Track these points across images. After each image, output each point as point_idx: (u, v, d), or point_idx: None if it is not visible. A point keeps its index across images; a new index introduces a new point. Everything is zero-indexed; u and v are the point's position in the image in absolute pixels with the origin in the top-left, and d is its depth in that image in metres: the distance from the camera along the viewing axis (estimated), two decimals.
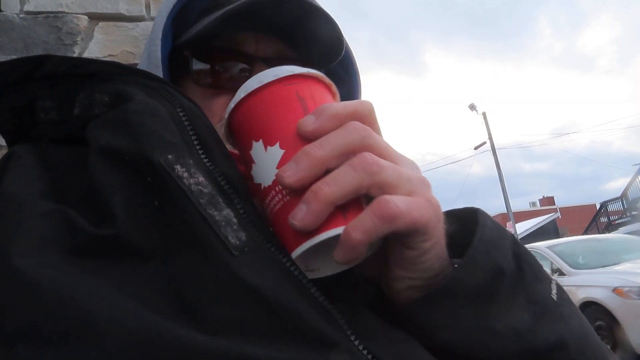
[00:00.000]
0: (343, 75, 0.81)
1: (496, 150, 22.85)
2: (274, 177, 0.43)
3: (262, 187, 0.46)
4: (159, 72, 0.68)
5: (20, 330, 0.36)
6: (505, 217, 28.59)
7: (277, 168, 0.43)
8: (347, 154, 0.42)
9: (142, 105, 0.48)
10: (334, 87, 0.51)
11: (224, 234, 0.41)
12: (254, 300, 0.39)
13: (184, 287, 0.40)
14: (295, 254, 0.42)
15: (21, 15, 1.81)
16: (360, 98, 0.82)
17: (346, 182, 0.41)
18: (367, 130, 0.44)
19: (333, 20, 0.68)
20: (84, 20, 1.86)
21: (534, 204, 44.48)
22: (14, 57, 1.75)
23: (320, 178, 0.42)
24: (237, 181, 0.47)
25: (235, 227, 0.43)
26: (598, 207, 27.43)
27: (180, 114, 0.49)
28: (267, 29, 0.70)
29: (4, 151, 0.68)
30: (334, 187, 0.41)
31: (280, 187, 0.43)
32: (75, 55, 1.82)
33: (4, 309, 0.37)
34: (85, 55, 1.84)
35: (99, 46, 1.86)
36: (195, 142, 0.48)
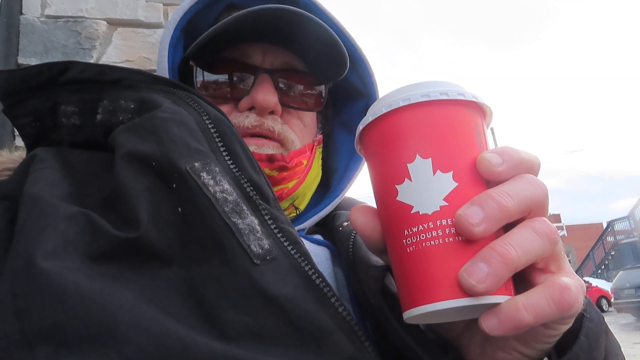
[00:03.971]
0: (360, 87, 0.80)
1: None
2: (439, 209, 0.38)
3: (413, 212, 0.40)
4: None
5: (42, 332, 0.36)
6: None
7: (445, 200, 0.39)
8: (527, 212, 0.40)
9: (170, 112, 0.49)
10: (489, 123, 0.46)
11: (247, 243, 0.42)
12: (273, 310, 0.39)
13: (204, 294, 0.40)
14: (446, 305, 0.37)
15: (42, 19, 1.84)
16: None
17: (532, 248, 0.37)
18: (545, 189, 0.40)
19: (332, 35, 0.67)
20: (102, 26, 1.89)
21: None
22: (33, 59, 1.78)
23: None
24: (263, 188, 0.47)
25: (258, 234, 0.43)
26: (605, 226, 27.20)
27: (207, 122, 0.49)
28: (274, 40, 0.70)
29: (21, 152, 0.69)
30: (520, 251, 0.37)
31: (445, 223, 0.38)
32: (93, 59, 1.85)
33: (28, 310, 0.37)
34: (103, 60, 1.87)
35: (117, 51, 1.89)
36: (222, 149, 0.48)
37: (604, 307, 20.04)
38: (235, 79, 0.70)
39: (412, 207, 0.39)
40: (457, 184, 0.39)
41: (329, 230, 0.72)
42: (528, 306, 0.36)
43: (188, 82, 0.72)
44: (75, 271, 0.39)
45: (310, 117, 0.74)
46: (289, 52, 0.71)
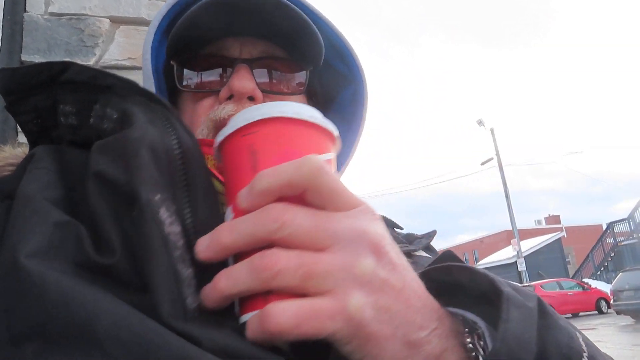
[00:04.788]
0: (347, 73, 0.81)
1: (504, 167, 22.79)
2: None
3: None
4: (150, 83, 0.71)
5: (27, 329, 0.37)
6: (510, 234, 28.39)
7: None
8: (260, 243, 0.40)
9: (142, 133, 0.47)
10: (313, 120, 0.45)
11: (185, 295, 0.41)
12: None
13: None
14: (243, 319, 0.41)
15: (45, 17, 1.84)
16: (366, 98, 0.81)
17: (240, 282, 0.39)
18: (282, 220, 0.39)
19: (305, 19, 0.69)
20: (105, 24, 1.90)
21: (539, 222, 44.23)
22: (37, 56, 1.79)
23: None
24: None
25: (193, 289, 0.42)
26: (605, 227, 27.20)
27: (176, 150, 0.48)
28: (251, 32, 0.71)
29: (24, 148, 0.70)
30: (230, 282, 0.40)
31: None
32: (95, 57, 1.86)
33: (13, 308, 0.38)
34: (105, 57, 1.87)
35: (119, 49, 1.89)
36: (184, 184, 0.46)
37: (603, 308, 20.03)
38: (214, 72, 0.72)
39: None
40: (233, 215, 0.43)
41: None
42: (256, 328, 0.38)
43: (172, 83, 0.73)
44: (57, 272, 0.39)
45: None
46: (268, 42, 0.72)
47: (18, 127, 1.74)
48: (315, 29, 0.70)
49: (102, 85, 0.54)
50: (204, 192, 0.47)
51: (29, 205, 0.45)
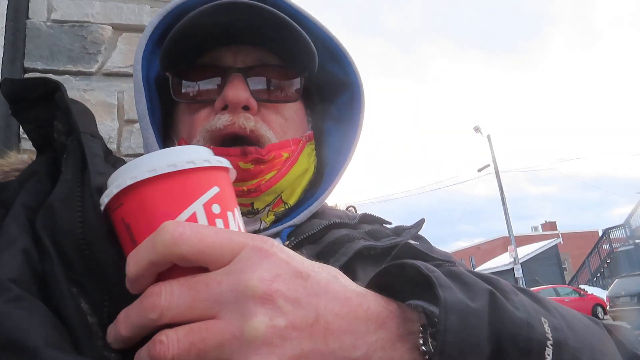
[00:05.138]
0: (343, 77, 0.81)
1: (500, 174, 22.86)
2: None
3: None
4: (141, 94, 0.72)
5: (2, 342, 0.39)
6: (506, 240, 28.44)
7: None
8: (148, 330, 0.40)
9: (52, 221, 0.48)
10: (173, 169, 0.42)
11: None
12: None
13: None
14: None
15: (48, 23, 1.86)
16: (363, 102, 0.81)
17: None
18: (159, 308, 0.38)
19: (295, 27, 0.69)
20: (108, 31, 1.91)
21: (535, 228, 44.29)
22: (39, 63, 1.80)
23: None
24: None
25: None
26: (601, 233, 27.27)
27: (80, 237, 0.46)
28: (244, 40, 0.72)
29: (30, 154, 0.71)
30: None
31: None
32: (98, 64, 1.87)
33: None
34: (108, 64, 1.88)
35: (122, 56, 1.91)
36: (97, 274, 0.46)
37: (599, 315, 20.06)
38: (209, 82, 0.72)
39: None
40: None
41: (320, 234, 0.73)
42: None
43: (166, 94, 0.74)
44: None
45: (292, 111, 0.75)
46: (262, 49, 0.72)
47: (21, 134, 1.75)
48: (305, 36, 0.70)
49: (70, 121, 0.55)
50: (117, 277, 0.44)
51: (18, 234, 0.47)
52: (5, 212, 0.50)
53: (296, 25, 0.69)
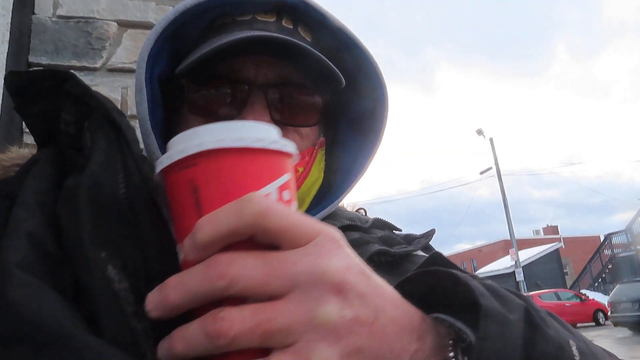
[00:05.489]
0: (363, 81, 0.78)
1: (503, 177, 22.84)
2: None
3: None
4: (142, 95, 0.68)
5: (15, 334, 0.38)
6: (508, 243, 28.38)
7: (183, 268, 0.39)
8: (212, 300, 0.37)
9: (92, 182, 0.47)
10: (260, 144, 0.41)
11: (144, 350, 0.41)
12: None
13: None
14: None
15: (53, 19, 1.86)
16: (387, 113, 0.79)
17: (197, 347, 0.36)
18: (230, 276, 0.36)
19: (323, 60, 0.66)
20: (113, 27, 1.91)
21: (537, 232, 44.23)
22: (44, 58, 1.80)
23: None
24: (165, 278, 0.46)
25: (152, 341, 0.41)
26: (602, 239, 27.20)
27: (123, 196, 0.46)
28: (268, 53, 0.67)
29: (31, 148, 0.71)
30: (185, 346, 0.37)
31: None
32: (102, 60, 1.88)
33: (4, 312, 0.39)
34: (113, 60, 1.89)
35: (126, 52, 1.91)
36: (132, 236, 0.45)
37: (600, 320, 19.98)
38: (227, 96, 0.68)
39: None
40: (183, 254, 0.39)
41: None
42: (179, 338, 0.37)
43: (173, 98, 0.71)
44: (40, 289, 0.41)
45: (309, 128, 0.73)
46: (284, 63, 0.69)
47: (24, 128, 1.75)
48: (337, 71, 0.68)
49: (89, 104, 0.54)
50: (156, 241, 0.45)
51: (26, 218, 0.46)
52: (10, 203, 0.49)
53: (326, 60, 0.67)
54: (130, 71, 1.88)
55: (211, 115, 0.68)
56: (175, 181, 0.41)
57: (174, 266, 0.44)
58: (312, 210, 0.75)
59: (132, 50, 1.91)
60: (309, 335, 0.36)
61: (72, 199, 0.47)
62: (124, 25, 1.93)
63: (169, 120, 0.74)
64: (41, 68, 0.57)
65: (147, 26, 1.96)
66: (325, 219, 0.74)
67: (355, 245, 0.65)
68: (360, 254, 0.65)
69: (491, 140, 23.68)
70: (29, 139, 1.67)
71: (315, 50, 0.66)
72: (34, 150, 0.66)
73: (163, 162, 0.41)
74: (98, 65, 1.87)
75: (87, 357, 0.37)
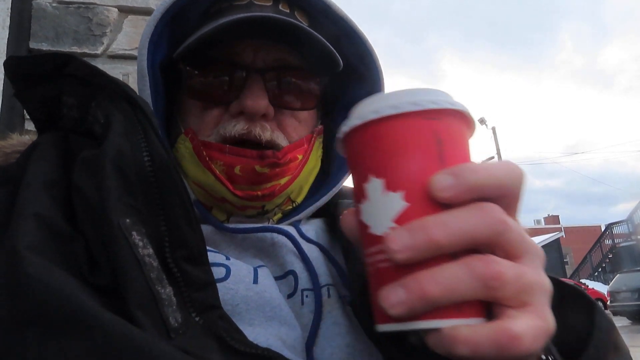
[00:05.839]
0: (364, 71, 0.78)
1: None
2: (388, 230, 0.37)
3: (369, 231, 0.39)
4: (145, 81, 0.67)
5: (28, 315, 0.38)
6: None
7: (394, 221, 0.37)
8: (471, 246, 0.36)
9: (114, 150, 0.47)
10: (473, 126, 0.42)
11: (166, 314, 0.42)
12: None
13: None
14: (381, 329, 0.38)
15: (54, 4, 1.85)
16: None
17: (457, 289, 0.35)
18: (506, 222, 0.36)
19: (324, 43, 0.66)
20: (114, 13, 1.90)
21: (538, 221, 44.28)
22: (44, 44, 1.79)
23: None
24: (193, 245, 0.47)
25: (174, 307, 0.43)
26: (603, 228, 27.24)
27: (148, 168, 0.47)
28: (266, 35, 0.68)
29: (32, 135, 0.71)
30: (442, 288, 0.34)
31: None
32: (103, 46, 1.86)
33: (15, 293, 0.39)
34: (113, 47, 1.87)
35: (127, 38, 1.90)
36: (157, 204, 0.46)
37: None
38: (225, 80, 0.68)
39: (368, 227, 0.39)
40: (407, 204, 0.37)
41: (331, 217, 0.73)
42: (467, 341, 0.34)
43: (175, 82, 0.71)
44: (52, 269, 0.41)
45: (306, 113, 0.73)
46: (282, 46, 0.69)
47: (25, 115, 1.75)
48: (337, 55, 0.68)
49: (96, 84, 0.54)
50: (180, 207, 0.46)
51: (32, 199, 0.46)
52: (14, 188, 0.49)
53: (327, 44, 0.66)
54: (131, 58, 1.87)
55: (209, 98, 0.68)
56: (414, 128, 0.39)
57: (198, 231, 0.47)
58: (309, 198, 0.76)
59: (132, 36, 1.90)
60: (542, 299, 0.37)
61: (94, 167, 0.47)
62: (125, 11, 1.92)
63: (172, 101, 0.74)
64: (41, 53, 0.56)
65: (147, 12, 1.94)
66: (336, 203, 0.74)
67: None
68: None
69: (493, 129, 23.61)
70: (30, 125, 1.67)
71: (312, 31, 0.66)
72: (35, 137, 0.66)
73: (404, 106, 0.39)
74: (99, 51, 1.85)
75: (98, 334, 0.37)
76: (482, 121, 24.14)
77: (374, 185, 0.38)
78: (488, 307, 0.36)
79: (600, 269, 25.40)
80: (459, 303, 0.35)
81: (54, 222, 0.45)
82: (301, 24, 0.65)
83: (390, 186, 0.38)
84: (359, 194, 0.40)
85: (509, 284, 0.35)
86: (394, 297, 0.35)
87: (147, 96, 0.68)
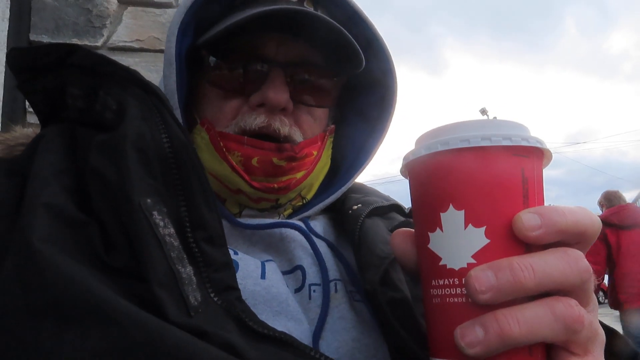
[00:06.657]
0: (380, 76, 0.78)
1: None
2: (465, 265, 0.36)
3: (442, 263, 0.38)
4: (172, 69, 0.68)
5: (43, 306, 0.38)
6: None
7: (474, 257, 0.36)
8: (553, 291, 0.36)
9: (134, 133, 0.48)
10: (547, 164, 0.43)
11: (186, 293, 0.42)
12: None
13: None
14: None
15: None
16: (394, 105, 0.79)
17: (540, 330, 0.34)
18: (589, 271, 0.36)
19: (347, 36, 0.67)
20: (113, 4, 1.89)
21: None
22: (45, 36, 1.79)
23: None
24: (211, 227, 0.47)
25: (194, 286, 0.43)
26: None
27: (167, 149, 0.48)
28: (289, 31, 0.68)
29: (35, 127, 0.71)
30: (524, 330, 0.34)
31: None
32: (103, 38, 1.86)
33: (30, 285, 0.39)
34: (113, 39, 1.87)
35: (127, 30, 1.89)
36: (177, 184, 0.47)
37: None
38: (247, 72, 0.68)
39: (441, 259, 0.38)
40: (488, 241, 0.36)
41: (338, 213, 0.73)
42: None
43: (197, 70, 0.71)
44: (66, 257, 0.41)
45: (321, 111, 0.74)
46: (304, 43, 0.70)
47: (27, 107, 1.75)
48: (358, 48, 0.68)
49: (104, 72, 0.54)
50: (199, 188, 0.47)
51: (42, 189, 0.46)
52: (23, 180, 0.49)
53: (349, 37, 0.67)
54: (132, 50, 1.87)
55: (230, 87, 0.69)
56: (509, 163, 0.38)
57: (216, 213, 0.48)
58: (319, 196, 0.76)
59: (133, 28, 1.89)
60: (597, 345, 0.38)
61: (114, 150, 0.47)
62: (124, 2, 1.91)
63: (191, 90, 0.74)
64: (44, 44, 0.56)
65: (147, 4, 1.94)
66: (345, 198, 0.75)
67: (407, 226, 0.65)
68: None
69: (495, 119, 23.53)
70: (32, 118, 1.67)
71: (340, 27, 0.66)
72: (38, 130, 0.66)
73: (503, 138, 0.38)
74: (99, 43, 1.85)
75: (113, 324, 0.37)
76: (483, 111, 24.07)
77: (453, 217, 0.37)
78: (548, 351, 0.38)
79: None
80: (531, 345, 0.35)
81: (65, 209, 0.45)
82: (326, 17, 0.66)
83: (473, 220, 0.37)
84: (431, 222, 0.39)
85: (586, 330, 0.35)
86: (472, 336, 0.34)
87: (172, 83, 0.68)
